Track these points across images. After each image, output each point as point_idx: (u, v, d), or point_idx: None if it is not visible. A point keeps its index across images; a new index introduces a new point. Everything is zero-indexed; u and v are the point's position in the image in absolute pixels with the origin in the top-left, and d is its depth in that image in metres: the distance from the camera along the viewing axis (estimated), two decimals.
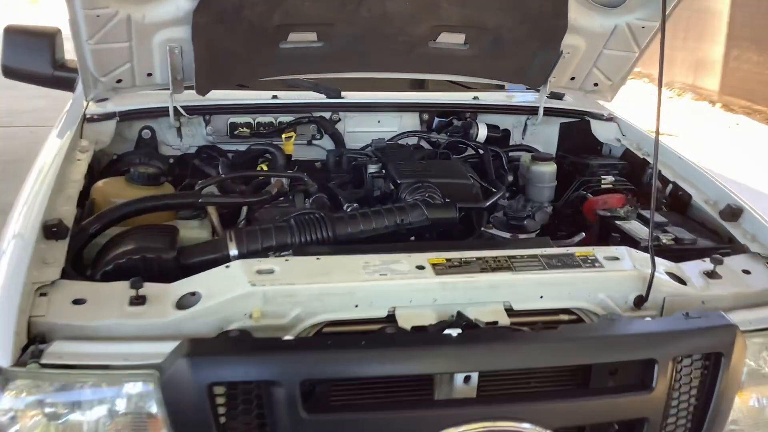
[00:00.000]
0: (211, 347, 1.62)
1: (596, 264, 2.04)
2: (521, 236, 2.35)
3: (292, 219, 2.22)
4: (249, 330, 1.82)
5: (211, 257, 2.14)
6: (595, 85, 3.33)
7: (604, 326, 1.81)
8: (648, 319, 1.85)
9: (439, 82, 3.51)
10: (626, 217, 2.60)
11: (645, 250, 2.30)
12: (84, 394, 1.68)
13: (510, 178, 3.20)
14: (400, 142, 3.25)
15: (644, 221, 2.57)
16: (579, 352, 1.72)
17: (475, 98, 3.45)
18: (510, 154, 3.43)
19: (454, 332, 1.69)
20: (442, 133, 3.32)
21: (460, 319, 1.82)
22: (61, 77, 3.63)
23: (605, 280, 2.01)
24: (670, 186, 2.87)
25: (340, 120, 3.28)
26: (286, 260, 1.96)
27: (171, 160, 3.14)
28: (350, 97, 3.31)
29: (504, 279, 1.96)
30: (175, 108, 3.01)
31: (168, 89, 2.87)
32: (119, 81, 2.91)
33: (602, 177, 2.99)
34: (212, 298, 1.83)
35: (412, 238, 2.47)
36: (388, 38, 2.91)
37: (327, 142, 3.30)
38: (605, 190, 2.95)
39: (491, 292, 1.96)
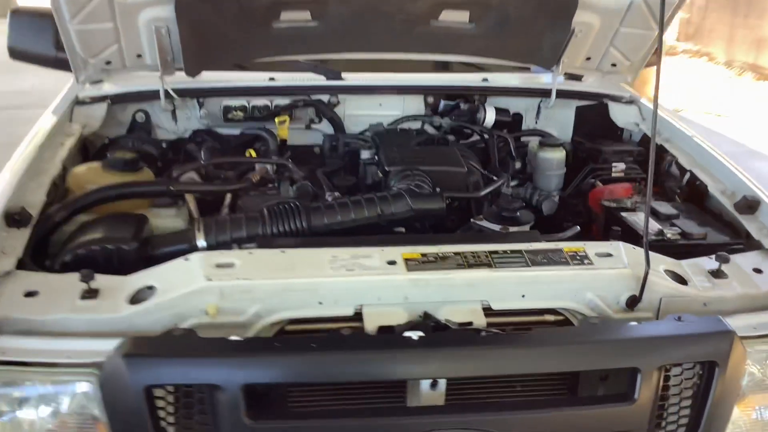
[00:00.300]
0: (151, 347, 1.54)
1: (585, 261, 1.89)
2: (512, 229, 2.20)
3: (265, 209, 2.12)
4: (205, 327, 1.74)
5: (178, 248, 2.06)
6: (613, 65, 3.14)
7: (582, 331, 1.67)
8: (634, 323, 1.69)
9: (464, 63, 3.36)
10: (633, 209, 2.42)
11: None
12: (28, 392, 1.62)
13: (518, 164, 3.04)
14: (403, 126, 3.11)
15: (654, 213, 2.39)
16: (549, 359, 1.58)
17: (484, 80, 3.28)
18: (522, 139, 3.28)
19: (416, 335, 1.57)
20: (446, 118, 3.17)
21: (427, 320, 1.69)
22: (63, 58, 3.59)
23: (594, 278, 1.86)
24: (688, 175, 2.67)
25: (339, 103, 3.16)
26: (250, 253, 1.87)
27: (164, 145, 3.07)
28: (351, 78, 3.18)
29: (481, 276, 1.83)
30: (166, 90, 2.92)
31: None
32: (108, 63, 2.86)
33: (613, 164, 2.80)
34: (167, 292, 1.75)
35: (402, 229, 2.35)
36: (386, 17, 2.78)
37: (326, 126, 3.19)
38: (616, 178, 2.77)
39: (467, 290, 1.83)
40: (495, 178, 2.66)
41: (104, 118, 2.98)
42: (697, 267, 1.99)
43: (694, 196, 2.61)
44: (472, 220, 2.27)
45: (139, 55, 2.84)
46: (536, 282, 1.85)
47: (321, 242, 1.95)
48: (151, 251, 2.06)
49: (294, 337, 1.78)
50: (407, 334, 1.58)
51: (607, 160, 2.93)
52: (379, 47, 2.92)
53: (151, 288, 1.79)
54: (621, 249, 1.96)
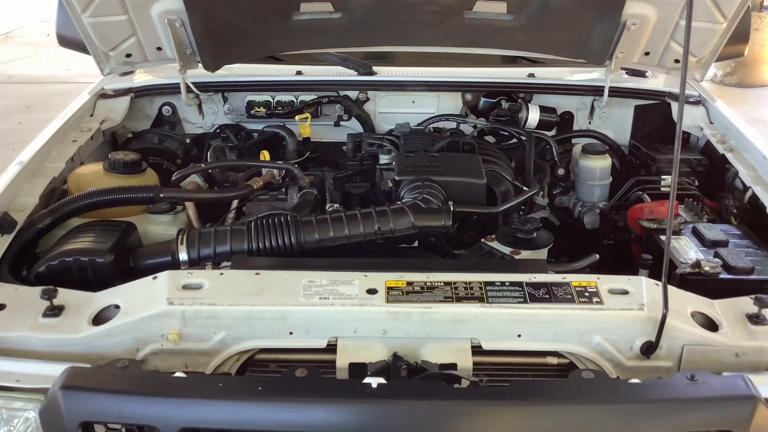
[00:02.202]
0: (88, 379, 1.47)
1: (594, 299, 1.69)
2: (522, 254, 2.01)
3: (253, 222, 2.02)
4: (167, 353, 1.68)
5: (160, 261, 2.01)
6: (677, 61, 2.84)
7: (566, 389, 1.47)
8: (635, 381, 1.49)
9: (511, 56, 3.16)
10: (676, 231, 2.18)
11: (680, 278, 1.93)
12: None
13: (561, 171, 2.82)
14: (437, 126, 2.94)
15: (699, 237, 2.15)
16: (521, 421, 1.41)
17: (530, 75, 3.06)
18: (573, 140, 3.05)
19: (376, 382, 1.43)
20: (483, 117, 2.98)
21: (396, 362, 1.55)
22: None
23: (602, 320, 1.67)
24: (750, 192, 2.39)
25: (368, 100, 3.03)
26: (221, 274, 1.78)
27: (188, 140, 3.04)
28: (382, 73, 3.04)
29: (469, 312, 1.67)
30: (187, 85, 2.87)
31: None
32: (129, 55, 2.83)
33: (662, 177, 2.55)
34: (128, 314, 1.69)
35: (415, 243, 2.21)
36: (413, 8, 2.62)
37: (357, 124, 3.06)
38: (666, 193, 2.51)
39: (454, 326, 1.68)
40: (525, 188, 2.46)
41: (126, 112, 2.99)
42: (733, 309, 1.75)
43: (755, 219, 2.33)
44: (483, 240, 2.09)
45: (159, 48, 2.80)
46: (534, 321, 1.67)
47: (299, 264, 1.84)
48: (133, 263, 2.01)
49: (254, 371, 1.68)
50: (367, 380, 1.44)
51: (660, 170, 2.68)
52: (407, 40, 2.76)
53: (117, 307, 1.73)
54: (642, 285, 1.75)
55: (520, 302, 1.68)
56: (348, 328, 1.67)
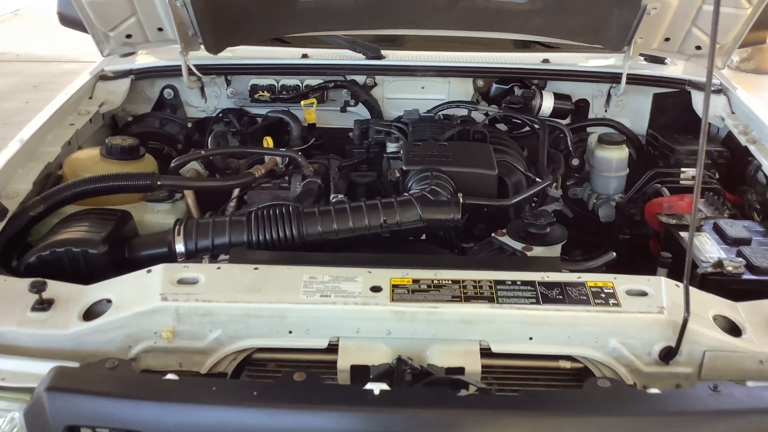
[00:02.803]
0: (74, 380, 1.40)
1: (611, 300, 1.61)
2: (534, 250, 1.92)
3: (253, 213, 1.94)
4: (160, 351, 1.61)
5: (156, 251, 1.93)
6: (698, 48, 2.74)
7: (578, 399, 1.39)
8: (654, 390, 1.40)
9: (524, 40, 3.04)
10: (696, 227, 2.08)
11: (701, 278, 1.83)
12: None
13: (576, 161, 2.72)
14: (447, 112, 2.84)
15: (721, 234, 2.05)
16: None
17: (544, 61, 2.96)
18: (589, 129, 2.95)
19: (378, 388, 1.35)
20: (494, 104, 2.87)
21: (401, 365, 1.47)
22: None
23: (617, 323, 1.58)
24: None
25: (376, 85, 2.94)
26: (218, 268, 1.70)
27: (189, 124, 2.95)
28: (391, 57, 2.94)
29: (477, 313, 1.59)
30: (189, 67, 2.78)
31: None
32: (129, 36, 2.75)
33: (682, 169, 2.45)
34: (120, 309, 1.62)
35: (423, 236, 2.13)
36: None
37: (364, 110, 2.97)
38: (685, 187, 2.41)
39: (462, 328, 1.60)
40: (538, 180, 2.36)
41: (126, 95, 2.90)
42: (757, 313, 1.66)
43: None
44: (493, 234, 2.00)
45: (160, 29, 2.71)
46: (546, 323, 1.59)
47: (300, 258, 1.76)
48: (128, 254, 1.94)
49: (252, 370, 1.61)
50: (369, 386, 1.36)
51: (679, 162, 2.57)
52: (418, 24, 2.66)
53: (109, 301, 1.65)
54: (661, 286, 1.66)
55: (532, 303, 1.60)
56: (350, 327, 1.60)
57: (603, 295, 1.62)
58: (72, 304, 1.66)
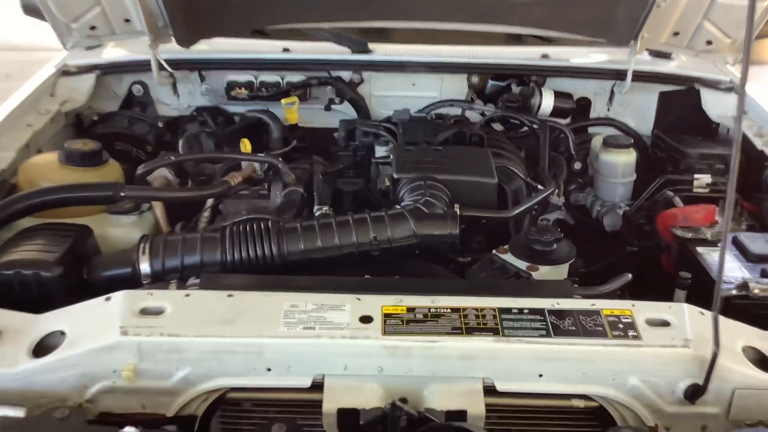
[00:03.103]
0: None
1: (630, 332, 1.45)
2: (541, 269, 1.76)
3: (227, 228, 1.77)
4: (121, 392, 1.43)
5: (119, 272, 1.75)
6: (709, 43, 2.58)
7: None
8: None
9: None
10: (714, 242, 1.94)
11: (725, 303, 1.68)
12: None
13: (578, 165, 2.57)
14: (440, 111, 2.67)
15: (741, 250, 1.90)
16: None
17: (543, 56, 2.79)
18: (590, 130, 2.80)
19: None
20: (491, 103, 2.71)
21: (395, 411, 1.30)
22: None
23: (640, 358, 1.44)
24: None
25: (363, 82, 2.76)
26: (187, 295, 1.52)
27: (160, 124, 2.76)
28: (379, 51, 2.76)
29: (481, 348, 1.43)
30: (159, 62, 2.59)
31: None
32: (93, 28, 2.55)
33: (695, 176, 2.30)
34: (75, 344, 1.45)
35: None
36: None
37: (350, 108, 2.79)
38: (697, 195, 2.26)
39: (464, 364, 1.44)
40: (539, 186, 2.20)
41: (91, 92, 2.71)
42: None
43: None
44: (494, 252, 1.84)
45: (127, 20, 2.52)
46: (558, 359, 1.44)
47: (280, 283, 1.59)
48: (87, 275, 1.76)
49: (226, 411, 1.44)
50: None
51: (690, 167, 2.42)
52: (409, 15, 2.49)
53: (63, 334, 1.47)
54: (684, 314, 1.51)
55: (542, 335, 1.44)
56: (337, 364, 1.44)
57: (621, 326, 1.47)
58: (20, 337, 1.48)
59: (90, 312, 1.51)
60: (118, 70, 2.78)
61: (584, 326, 1.46)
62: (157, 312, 1.48)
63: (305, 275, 1.74)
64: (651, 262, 2.27)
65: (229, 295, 1.52)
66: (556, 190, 2.30)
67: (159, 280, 1.74)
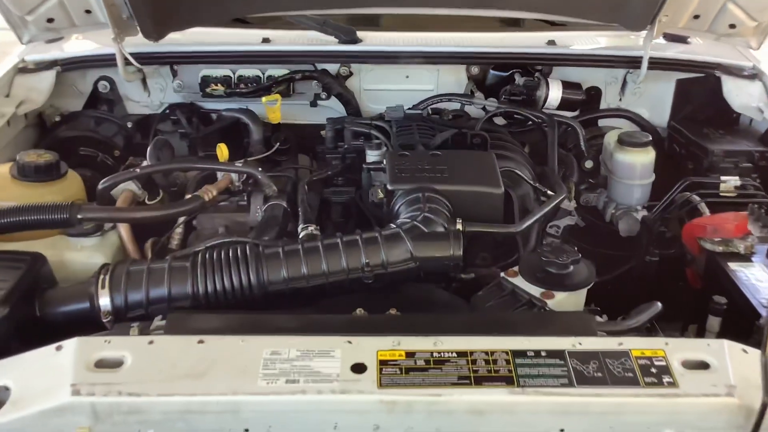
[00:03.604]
0: None
1: (664, 377, 1.28)
2: (557, 297, 1.58)
3: (198, 255, 1.58)
4: None
5: (75, 308, 1.57)
6: (732, 26, 2.41)
7: None
8: None
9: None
10: (747, 256, 1.76)
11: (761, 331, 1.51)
12: None
13: (589, 164, 2.38)
14: (435, 107, 2.48)
15: None
16: None
17: (549, 43, 2.60)
18: (600, 122, 2.62)
19: None
20: (493, 95, 2.51)
21: None
22: None
23: (678, 409, 1.27)
24: None
25: (352, 74, 2.56)
26: (150, 342, 1.34)
27: (129, 124, 2.56)
28: (369, 41, 2.56)
29: (493, 401, 1.27)
30: (124, 56, 2.39)
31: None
32: (51, 20, 2.35)
33: (722, 178, 2.12)
34: (19, 405, 1.27)
35: None
36: None
37: (339, 103, 2.60)
38: (724, 200, 2.09)
39: (473, 420, 1.28)
40: (549, 192, 2.02)
41: (51, 90, 2.51)
42: None
43: None
44: (503, 275, 1.66)
45: (87, 11, 2.32)
46: (583, 412, 1.27)
47: (259, 324, 1.42)
48: (40, 310, 1.58)
49: None
50: None
51: (714, 166, 2.25)
52: (400, 1, 2.28)
53: (8, 389, 1.29)
54: (725, 353, 1.34)
55: (563, 385, 1.27)
56: (326, 423, 1.27)
57: (654, 370, 1.30)
58: None
59: (38, 364, 1.33)
60: (81, 66, 2.58)
61: (611, 371, 1.29)
62: (116, 364, 1.30)
63: (288, 307, 1.57)
64: (673, 274, 2.11)
65: (200, 342, 1.34)
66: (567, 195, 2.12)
67: (121, 316, 1.56)
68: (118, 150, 2.46)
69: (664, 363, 1.32)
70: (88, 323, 1.58)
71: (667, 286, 2.17)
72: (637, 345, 1.35)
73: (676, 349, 1.35)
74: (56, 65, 2.53)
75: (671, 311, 2.16)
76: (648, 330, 1.52)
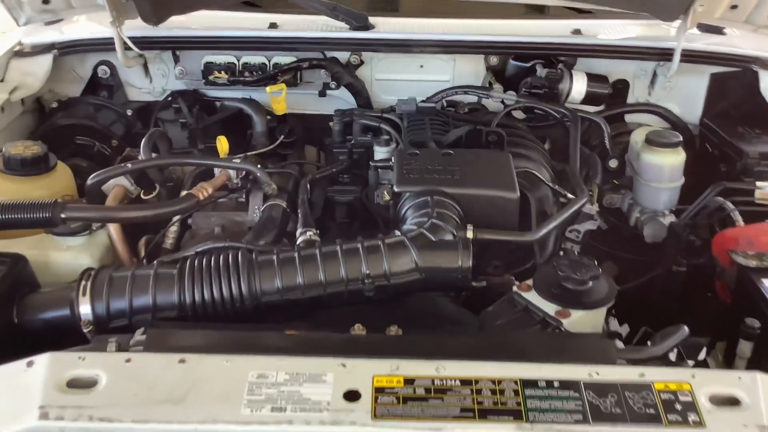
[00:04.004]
0: None
1: (690, 415, 1.17)
2: (573, 315, 1.46)
3: (187, 262, 1.49)
4: None
5: (55, 316, 1.49)
6: None
7: None
8: None
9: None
10: None
11: None
12: None
13: (614, 163, 2.26)
14: (449, 99, 2.36)
15: None
16: None
17: (575, 32, 2.46)
18: (627, 118, 2.49)
19: None
20: (511, 87, 2.39)
21: None
22: None
23: None
24: None
25: (363, 63, 2.45)
26: (127, 360, 1.25)
27: (129, 112, 2.47)
28: (382, 28, 2.45)
29: None
30: (123, 40, 2.30)
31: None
32: (46, 2, 2.27)
33: (757, 184, 1.99)
34: None
35: None
36: None
37: (348, 93, 2.48)
38: (760, 208, 1.96)
39: None
40: (569, 195, 1.90)
41: (48, 75, 2.43)
42: None
43: None
44: (515, 289, 1.55)
45: None
46: None
47: (246, 343, 1.33)
48: (18, 317, 1.50)
49: None
50: None
51: (748, 169, 2.11)
52: None
53: None
54: (758, 388, 1.22)
55: (577, 421, 1.16)
56: None
57: (678, 407, 1.19)
58: None
59: (7, 382, 1.24)
60: (79, 50, 2.49)
61: (631, 407, 1.18)
62: (89, 384, 1.21)
63: (281, 319, 1.48)
64: (702, 283, 1.99)
65: (181, 361, 1.25)
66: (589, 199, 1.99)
67: (103, 326, 1.48)
68: (115, 139, 2.37)
69: (690, 398, 1.20)
70: (69, 332, 1.50)
71: (694, 296, 2.05)
72: (660, 377, 1.24)
73: (704, 382, 1.23)
74: (53, 49, 2.44)
75: (697, 324, 2.05)
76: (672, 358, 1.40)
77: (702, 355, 1.56)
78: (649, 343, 1.40)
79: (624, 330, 1.61)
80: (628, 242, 2.32)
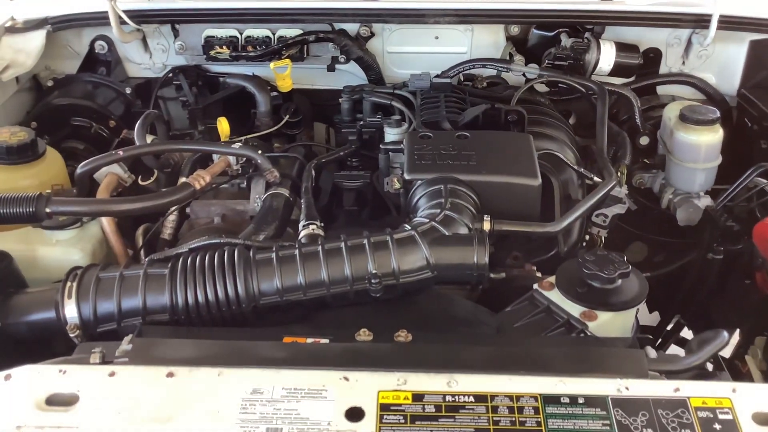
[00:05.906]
0: None
1: None
2: (599, 317, 1.35)
3: (179, 261, 1.40)
4: None
5: (39, 318, 1.41)
6: None
7: None
8: None
9: None
10: None
11: None
12: None
13: (645, 140, 2.13)
14: (467, 73, 2.24)
15: None
16: None
17: None
18: (659, 90, 2.35)
19: None
20: (534, 59, 2.26)
21: None
22: None
23: None
24: None
25: (373, 35, 2.32)
26: (111, 374, 1.17)
27: (128, 89, 2.38)
28: None
29: None
30: (118, 14, 2.19)
31: None
32: None
33: None
34: None
35: None
36: None
37: (358, 68, 2.37)
38: None
39: None
40: (595, 178, 1.79)
41: (41, 52, 2.33)
42: None
43: None
44: (536, 287, 1.44)
45: None
46: None
47: (240, 353, 1.23)
48: (1, 321, 1.42)
49: None
50: None
51: None
52: None
53: None
54: None
55: None
56: None
57: (717, 426, 1.09)
58: None
59: None
60: (74, 24, 2.38)
61: (665, 427, 1.08)
62: (69, 401, 1.13)
63: (281, 321, 1.39)
64: (738, 273, 1.87)
65: (169, 374, 1.16)
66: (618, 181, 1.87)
67: (91, 329, 1.39)
68: (114, 120, 2.28)
69: (730, 416, 1.10)
70: (56, 335, 1.43)
71: (730, 284, 1.94)
72: (697, 392, 1.13)
73: (746, 398, 1.13)
74: (46, 24, 2.34)
75: (734, 315, 1.94)
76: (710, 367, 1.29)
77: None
78: (684, 351, 1.29)
79: (654, 319, 1.51)
80: (660, 224, 2.21)
